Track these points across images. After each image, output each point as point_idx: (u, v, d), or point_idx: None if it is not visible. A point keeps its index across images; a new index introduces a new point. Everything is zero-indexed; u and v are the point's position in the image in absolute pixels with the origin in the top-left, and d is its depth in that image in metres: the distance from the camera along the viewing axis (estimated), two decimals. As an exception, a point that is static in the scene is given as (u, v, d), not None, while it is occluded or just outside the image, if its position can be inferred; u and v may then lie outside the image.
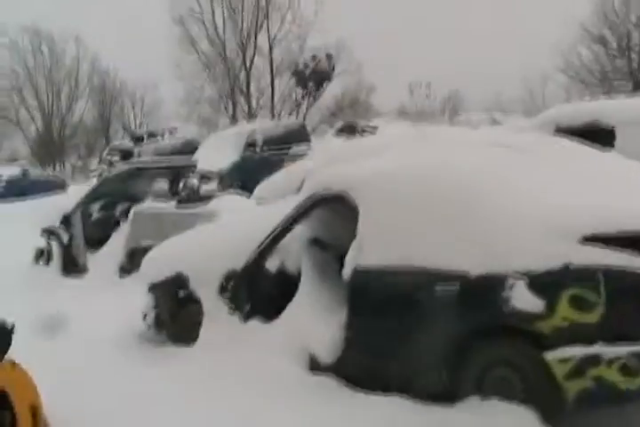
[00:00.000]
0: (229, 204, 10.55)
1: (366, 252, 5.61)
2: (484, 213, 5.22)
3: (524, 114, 30.61)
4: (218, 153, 19.28)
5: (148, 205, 11.08)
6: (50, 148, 53.46)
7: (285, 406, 5.43)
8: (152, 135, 25.99)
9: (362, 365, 5.59)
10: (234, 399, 5.57)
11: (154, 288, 7.10)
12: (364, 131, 21.18)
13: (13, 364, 4.43)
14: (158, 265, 7.16)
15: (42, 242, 12.09)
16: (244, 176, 18.99)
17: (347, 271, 5.68)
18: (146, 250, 10.40)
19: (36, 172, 33.95)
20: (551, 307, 4.76)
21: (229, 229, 7.01)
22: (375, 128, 21.33)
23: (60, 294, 10.18)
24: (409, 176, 5.69)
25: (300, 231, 6.39)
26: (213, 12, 46.24)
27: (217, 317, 6.49)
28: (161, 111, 53.54)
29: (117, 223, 11.59)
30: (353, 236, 5.79)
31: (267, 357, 6.01)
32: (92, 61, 54.08)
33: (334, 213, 6.43)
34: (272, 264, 6.38)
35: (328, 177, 6.21)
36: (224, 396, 5.63)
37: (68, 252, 11.56)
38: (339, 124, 24.65)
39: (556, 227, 4.90)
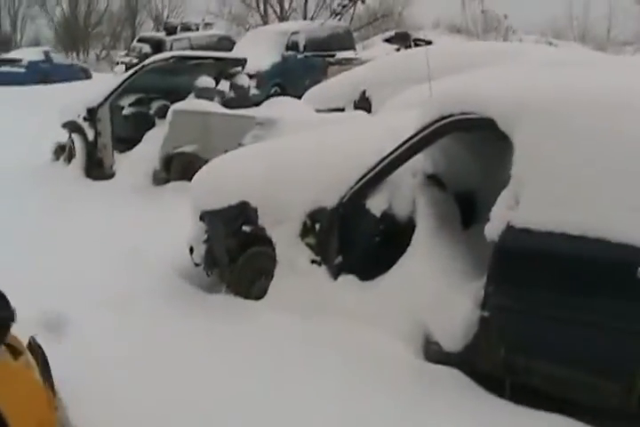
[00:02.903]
0: (287, 109, 8.55)
1: (526, 205, 3.72)
2: None
3: (577, 39, 27.83)
4: (256, 52, 17.06)
5: (190, 103, 9.06)
6: (74, 34, 50.39)
7: (395, 405, 3.70)
8: (186, 28, 23.48)
9: (504, 361, 3.78)
10: (321, 388, 3.84)
11: (207, 217, 5.25)
12: (416, 43, 18.77)
13: (16, 353, 2.63)
14: (216, 186, 5.26)
15: (64, 136, 10.20)
16: (285, 79, 17.12)
17: (493, 228, 3.81)
18: (185, 156, 8.65)
19: (59, 57, 31.50)
20: None
21: (313, 147, 5.07)
22: (429, 41, 18.93)
23: (81, 201, 8.38)
24: (603, 102, 3.74)
25: (416, 164, 4.51)
26: None
27: (295, 266, 4.65)
28: (190, 4, 50.03)
29: (152, 122, 9.61)
30: (500, 180, 3.93)
31: (364, 331, 4.23)
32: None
33: (466, 146, 4.55)
34: (376, 204, 4.50)
35: (466, 94, 4.23)
36: (308, 382, 3.90)
37: (93, 150, 9.67)
38: (388, 33, 22.14)
39: None
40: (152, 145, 9.12)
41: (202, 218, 5.28)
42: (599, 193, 3.52)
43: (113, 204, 8.20)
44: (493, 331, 3.82)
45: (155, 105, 9.73)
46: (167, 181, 8.81)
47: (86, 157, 9.69)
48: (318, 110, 9.36)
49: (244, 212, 4.93)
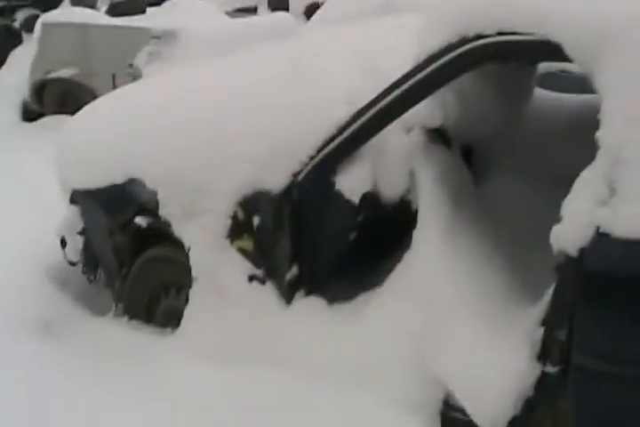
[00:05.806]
0: (190, 16, 6.58)
1: (631, 198, 1.96)
2: None
3: None
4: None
5: (65, 12, 6.92)
6: None
7: None
8: None
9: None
10: None
11: (81, 199, 3.39)
12: None
13: None
14: (89, 151, 3.36)
15: None
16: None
17: (568, 234, 2.04)
18: (61, 83, 6.63)
19: None
20: None
21: (243, 86, 3.15)
22: None
23: None
24: None
25: (409, 114, 2.70)
26: None
27: (222, 286, 2.88)
28: None
29: (19, 38, 7.47)
30: (568, 149, 2.37)
31: (341, 392, 2.56)
32: None
33: (490, 81, 2.78)
34: (351, 182, 2.70)
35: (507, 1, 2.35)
36: None
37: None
38: None
39: None
40: (19, 68, 7.06)
41: (74, 200, 3.42)
42: None
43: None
44: (566, 400, 2.20)
45: (20, 15, 7.55)
46: (41, 114, 6.86)
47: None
48: (226, 13, 7.44)
49: (135, 195, 3.08)
